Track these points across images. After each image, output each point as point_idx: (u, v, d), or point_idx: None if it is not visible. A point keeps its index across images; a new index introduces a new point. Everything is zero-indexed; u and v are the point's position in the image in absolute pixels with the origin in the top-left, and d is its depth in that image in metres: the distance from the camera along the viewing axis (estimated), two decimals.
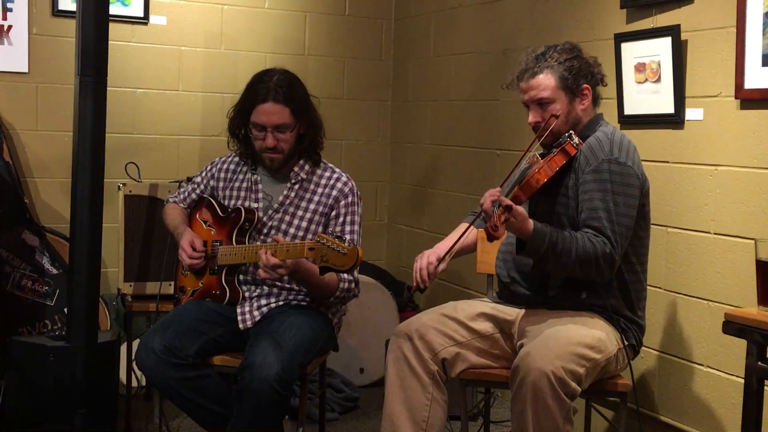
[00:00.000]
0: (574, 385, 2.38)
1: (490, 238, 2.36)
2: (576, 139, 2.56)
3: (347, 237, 2.85)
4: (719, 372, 2.95)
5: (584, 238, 2.47)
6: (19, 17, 3.94)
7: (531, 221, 2.43)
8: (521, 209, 2.40)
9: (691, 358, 3.06)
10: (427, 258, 2.66)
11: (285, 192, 2.94)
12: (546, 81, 2.61)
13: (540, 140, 2.62)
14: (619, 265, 2.53)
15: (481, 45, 4.13)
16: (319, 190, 2.94)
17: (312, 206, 2.93)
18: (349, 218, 2.92)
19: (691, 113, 3.01)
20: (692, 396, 3.05)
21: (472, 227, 2.74)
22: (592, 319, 2.58)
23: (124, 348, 3.56)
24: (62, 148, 3.96)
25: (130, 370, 3.55)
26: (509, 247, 2.72)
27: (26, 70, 4.00)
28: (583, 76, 2.63)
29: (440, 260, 2.65)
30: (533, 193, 2.50)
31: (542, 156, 2.62)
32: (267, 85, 2.84)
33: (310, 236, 2.90)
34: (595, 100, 2.70)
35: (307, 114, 2.90)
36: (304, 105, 2.89)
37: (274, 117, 2.83)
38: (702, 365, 3.01)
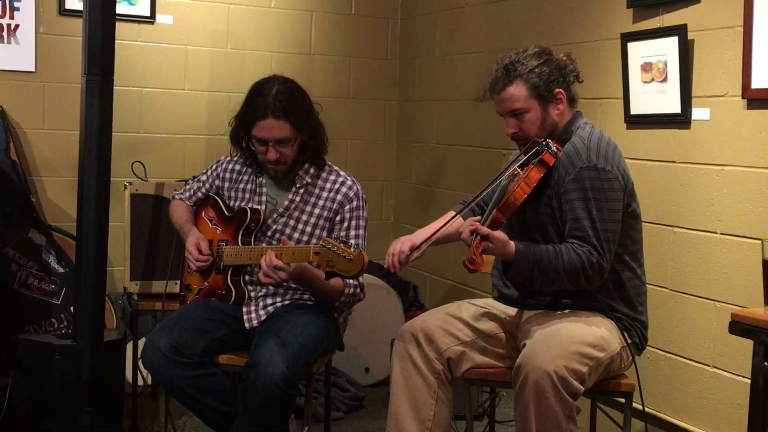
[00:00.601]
0: (576, 384, 2.37)
1: (469, 271, 2.37)
2: (554, 147, 2.53)
3: (352, 242, 2.85)
4: (725, 372, 2.94)
5: (569, 250, 2.46)
6: (26, 16, 3.95)
7: (512, 244, 2.43)
8: (499, 234, 2.40)
9: (697, 358, 3.05)
10: (401, 245, 2.64)
11: (290, 196, 2.94)
12: (517, 92, 2.57)
13: (519, 164, 2.58)
14: (608, 270, 2.51)
15: (487, 44, 4.12)
16: (324, 194, 2.94)
17: (317, 211, 2.93)
18: (354, 222, 2.92)
19: (698, 113, 3.00)
20: (698, 396, 3.05)
21: (458, 217, 2.73)
22: (595, 317, 2.57)
23: (130, 346, 3.56)
24: (69, 147, 3.98)
25: (135, 368, 3.56)
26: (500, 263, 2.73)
27: (33, 69, 4.01)
28: (555, 80, 2.58)
29: (415, 248, 2.64)
30: (513, 213, 2.48)
31: (522, 166, 2.57)
32: (266, 99, 2.81)
33: (314, 240, 2.89)
34: (571, 101, 2.65)
35: (308, 123, 2.89)
36: (304, 114, 2.87)
37: (275, 132, 2.82)
38: (708, 365, 3.01)
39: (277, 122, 2.81)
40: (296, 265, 2.69)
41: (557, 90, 2.59)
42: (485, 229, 2.38)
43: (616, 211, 2.51)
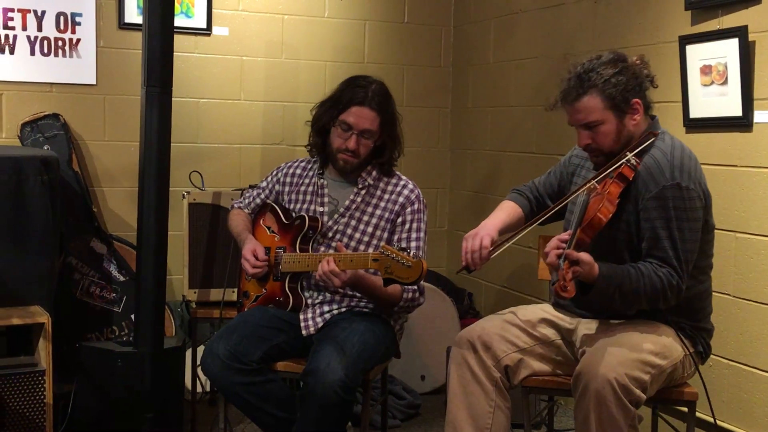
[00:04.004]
0: (638, 392, 2.33)
1: (560, 298, 2.30)
2: (633, 160, 2.43)
3: (413, 245, 2.86)
4: None
5: (650, 272, 2.39)
6: (87, 31, 4.05)
7: (596, 266, 2.34)
8: (587, 258, 2.31)
9: (762, 366, 2.98)
10: (480, 240, 2.57)
11: (351, 197, 2.96)
12: (592, 103, 2.46)
13: (596, 179, 2.49)
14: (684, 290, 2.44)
15: (541, 50, 4.10)
16: (386, 196, 2.95)
17: (378, 212, 2.94)
18: (415, 225, 2.92)
19: (760, 116, 2.94)
20: (763, 405, 2.97)
21: (527, 226, 2.65)
22: (656, 325, 2.52)
23: (188, 354, 3.61)
24: (129, 158, 4.05)
25: (195, 375, 3.60)
26: None
27: (94, 82, 4.10)
28: (631, 90, 2.47)
29: (495, 246, 2.56)
30: (598, 233, 2.38)
31: (599, 181, 2.48)
32: (366, 90, 2.88)
33: (375, 242, 2.91)
34: (647, 108, 2.56)
35: (393, 128, 2.94)
36: (392, 119, 2.94)
37: (365, 122, 2.86)
38: None
39: (371, 113, 2.85)
40: (352, 272, 2.70)
41: (634, 100, 2.48)
42: (575, 254, 2.28)
43: (696, 231, 2.44)
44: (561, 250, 2.31)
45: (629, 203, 2.48)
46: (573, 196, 2.59)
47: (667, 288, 2.39)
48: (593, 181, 2.49)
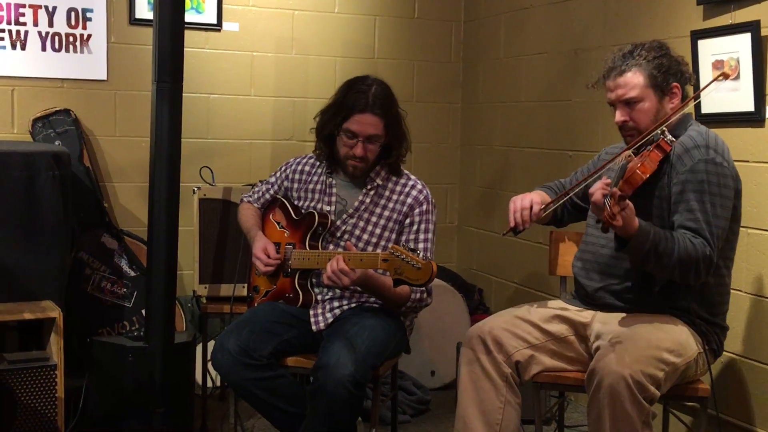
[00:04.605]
0: (653, 389, 2.33)
1: (605, 229, 2.30)
2: (669, 136, 2.49)
3: (420, 246, 2.85)
4: None
5: (685, 239, 2.40)
6: (97, 26, 4.06)
7: (637, 219, 2.36)
8: (629, 203, 2.33)
9: None
10: (531, 199, 2.61)
11: (360, 197, 2.95)
12: (634, 79, 2.54)
13: (632, 147, 2.54)
14: (715, 266, 2.46)
15: (552, 45, 4.08)
16: (394, 197, 2.95)
17: (386, 213, 2.93)
18: (423, 226, 2.92)
19: None
20: None
21: (569, 190, 2.69)
22: (671, 321, 2.52)
23: (199, 349, 3.62)
24: (140, 153, 4.06)
25: (205, 370, 3.61)
26: (586, 254, 2.69)
27: (105, 78, 4.11)
28: (673, 74, 2.55)
29: (546, 205, 2.60)
30: (636, 189, 2.41)
31: (634, 154, 2.53)
32: (366, 95, 2.84)
33: (383, 243, 2.90)
34: (683, 100, 2.60)
35: (399, 128, 2.92)
36: (397, 119, 2.91)
37: (369, 128, 2.84)
38: None
39: (374, 118, 2.83)
40: (361, 272, 2.69)
41: (674, 83, 2.55)
42: (620, 191, 2.29)
43: (727, 209, 2.47)
44: (606, 190, 2.33)
45: (663, 178, 2.51)
46: (608, 166, 2.60)
47: (700, 258, 2.39)
48: (629, 150, 2.52)
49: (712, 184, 2.45)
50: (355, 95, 2.85)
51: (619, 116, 2.58)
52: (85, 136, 4.05)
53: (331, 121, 2.91)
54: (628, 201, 2.31)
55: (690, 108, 3.18)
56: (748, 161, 3.03)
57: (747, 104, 2.99)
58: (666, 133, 2.50)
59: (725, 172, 2.47)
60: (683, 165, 2.48)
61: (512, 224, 2.62)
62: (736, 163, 3.04)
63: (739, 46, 2.98)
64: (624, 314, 2.58)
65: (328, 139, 2.95)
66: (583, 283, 2.70)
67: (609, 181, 2.40)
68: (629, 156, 2.52)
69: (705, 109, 3.14)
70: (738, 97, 3.01)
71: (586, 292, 2.69)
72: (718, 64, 3.08)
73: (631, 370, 2.30)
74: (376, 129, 2.85)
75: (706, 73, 3.12)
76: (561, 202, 2.62)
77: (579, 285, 2.74)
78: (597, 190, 2.37)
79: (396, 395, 3.19)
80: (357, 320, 2.80)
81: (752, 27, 2.94)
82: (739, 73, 3.00)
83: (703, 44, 3.12)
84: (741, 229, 3.03)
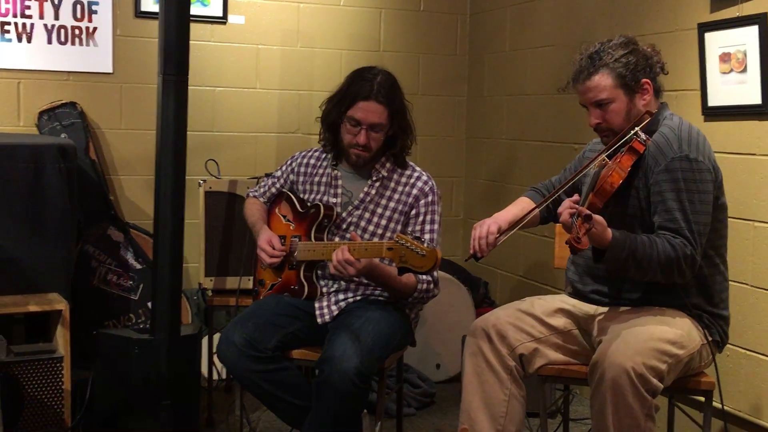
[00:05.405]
0: (655, 381, 2.33)
1: (574, 250, 2.30)
2: (643, 136, 2.46)
3: (426, 237, 2.85)
4: None
5: (663, 241, 2.39)
6: (103, 19, 4.06)
7: (609, 230, 2.37)
8: (600, 218, 2.34)
9: None
10: (488, 227, 2.60)
11: (366, 189, 2.95)
12: (603, 81, 2.51)
13: (607, 152, 2.52)
14: (699, 263, 2.45)
15: (558, 38, 4.07)
16: (400, 188, 2.95)
17: (392, 204, 2.93)
18: (428, 217, 2.92)
19: None
20: None
21: (534, 208, 2.69)
22: (674, 314, 2.51)
23: (205, 341, 3.63)
24: (145, 146, 4.07)
25: (211, 363, 3.62)
26: (579, 258, 2.69)
27: (110, 71, 4.12)
28: (642, 70, 2.51)
29: (501, 233, 2.60)
30: (609, 199, 2.42)
31: (608, 157, 2.52)
32: (371, 83, 2.84)
33: (389, 234, 2.90)
34: (657, 92, 2.58)
35: (403, 118, 2.92)
36: (401, 109, 2.91)
37: (373, 116, 2.84)
38: None
39: (378, 107, 2.83)
40: (366, 261, 2.70)
41: (644, 80, 2.52)
42: (587, 210, 2.30)
43: (707, 203, 2.45)
44: (573, 209, 2.33)
45: (640, 179, 2.50)
46: (583, 172, 2.60)
47: (681, 258, 2.38)
48: (604, 155, 2.51)
49: (688, 181, 2.42)
50: (360, 83, 2.85)
51: (592, 119, 2.57)
52: (91, 128, 4.06)
53: (336, 109, 2.91)
54: (595, 217, 2.30)
55: (696, 100, 3.19)
56: (754, 154, 3.02)
57: (754, 97, 2.98)
58: (639, 133, 2.46)
59: (701, 167, 2.44)
60: (657, 165, 2.45)
61: (471, 251, 2.62)
62: (741, 157, 3.06)
63: (747, 39, 2.97)
64: (626, 307, 2.58)
65: (333, 127, 2.95)
66: (578, 288, 2.71)
67: (578, 198, 2.41)
68: (603, 161, 2.50)
69: (711, 102, 3.14)
70: (745, 89, 3.00)
71: (583, 294, 2.70)
72: (725, 57, 3.07)
73: (634, 362, 2.30)
74: (379, 117, 2.85)
75: (713, 66, 3.11)
76: (515, 229, 2.61)
77: (574, 288, 2.74)
78: (564, 210, 2.36)
79: (401, 388, 3.20)
80: (362, 313, 2.80)
81: (760, 19, 2.92)
82: (746, 66, 2.99)
83: (710, 37, 3.11)
84: (746, 222, 3.04)
